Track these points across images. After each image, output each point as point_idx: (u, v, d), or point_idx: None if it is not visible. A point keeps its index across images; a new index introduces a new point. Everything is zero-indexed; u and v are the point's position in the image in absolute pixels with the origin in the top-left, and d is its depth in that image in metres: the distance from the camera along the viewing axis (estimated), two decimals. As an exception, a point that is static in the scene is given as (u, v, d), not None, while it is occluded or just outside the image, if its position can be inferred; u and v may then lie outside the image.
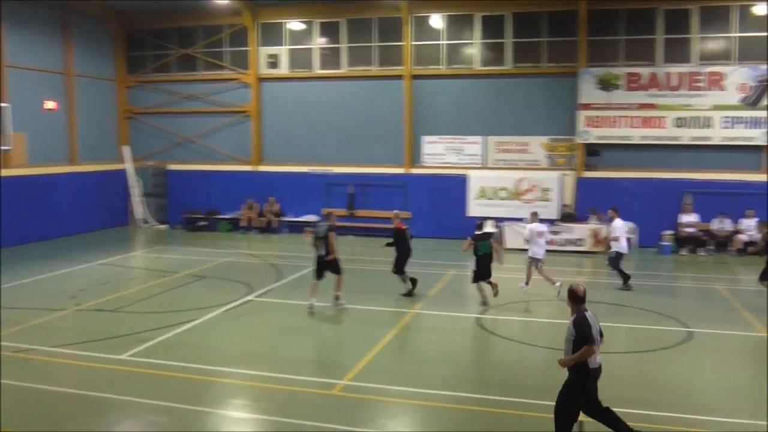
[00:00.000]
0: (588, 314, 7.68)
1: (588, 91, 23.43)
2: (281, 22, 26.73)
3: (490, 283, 15.15)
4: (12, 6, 23.12)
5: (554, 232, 22.11)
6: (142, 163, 28.93)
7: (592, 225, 22.33)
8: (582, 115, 23.56)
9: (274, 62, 26.90)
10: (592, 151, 23.96)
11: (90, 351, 11.77)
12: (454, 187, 24.82)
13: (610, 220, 17.56)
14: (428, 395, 9.77)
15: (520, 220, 22.99)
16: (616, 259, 17.09)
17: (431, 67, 25.27)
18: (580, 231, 22.33)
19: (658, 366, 11.29)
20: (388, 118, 25.82)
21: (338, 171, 26.18)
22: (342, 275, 14.70)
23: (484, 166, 24.98)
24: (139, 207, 28.43)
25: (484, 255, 15.15)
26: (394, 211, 17.10)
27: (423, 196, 25.08)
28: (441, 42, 25.09)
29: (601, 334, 7.81)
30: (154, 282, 17.71)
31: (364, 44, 25.94)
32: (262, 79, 27.19)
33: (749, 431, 8.78)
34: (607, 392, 7.98)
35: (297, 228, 25.68)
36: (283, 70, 26.94)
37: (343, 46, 26.17)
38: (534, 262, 16.39)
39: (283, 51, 26.88)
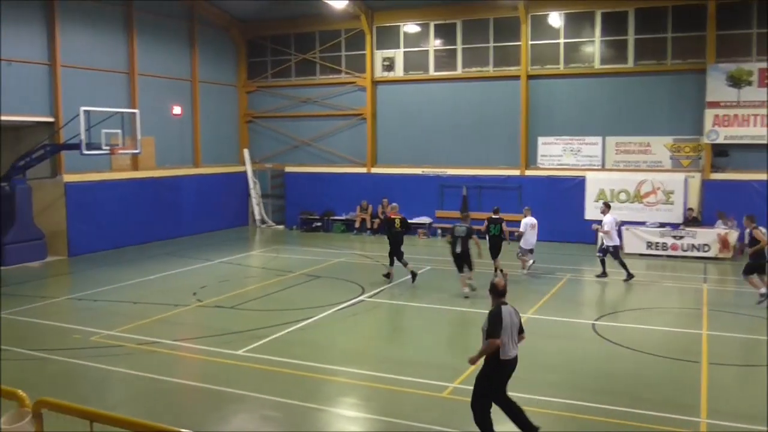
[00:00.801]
0: (504, 308, 7.91)
1: (716, 88, 22.14)
2: (397, 25, 26.87)
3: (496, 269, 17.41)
4: (142, 17, 24.42)
5: (678, 237, 21.09)
6: (260, 165, 29.85)
7: (719, 230, 21.07)
8: (710, 114, 22.29)
9: (389, 65, 27.07)
10: (721, 151, 22.62)
11: (209, 346, 12.18)
12: (571, 189, 24.13)
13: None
14: (541, 401, 9.45)
15: (642, 223, 22.13)
16: (614, 253, 17.78)
17: (549, 66, 24.68)
18: (706, 236, 21.07)
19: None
20: (504, 119, 25.42)
21: (452, 173, 26.02)
22: (473, 269, 16.24)
23: (603, 168, 24.13)
24: (257, 208, 29.35)
25: (494, 236, 17.78)
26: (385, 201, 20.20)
27: (539, 198, 24.47)
28: (559, 41, 24.45)
29: (521, 330, 8.10)
30: (271, 280, 18.16)
31: (480, 45, 25.65)
32: (377, 82, 27.43)
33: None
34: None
35: (411, 230, 25.71)
36: (398, 72, 27.06)
37: (459, 47, 25.99)
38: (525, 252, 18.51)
39: (398, 54, 27.02)
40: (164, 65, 25.74)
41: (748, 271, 15.29)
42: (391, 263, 17.73)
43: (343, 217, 27.71)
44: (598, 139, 24.16)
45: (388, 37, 27.16)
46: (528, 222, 18.58)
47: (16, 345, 12.22)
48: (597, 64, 24.06)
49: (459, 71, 26.07)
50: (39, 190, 21.31)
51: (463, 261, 16.16)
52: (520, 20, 24.49)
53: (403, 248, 17.65)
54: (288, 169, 29.19)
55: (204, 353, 11.81)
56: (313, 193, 28.05)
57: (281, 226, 28.86)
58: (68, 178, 21.74)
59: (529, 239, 18.61)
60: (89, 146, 19.61)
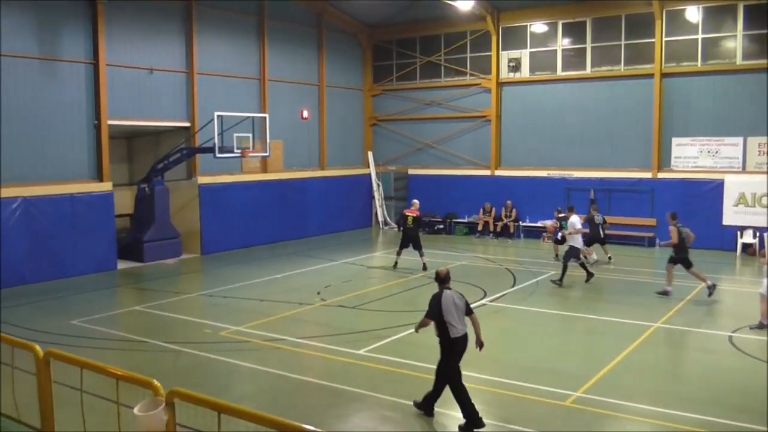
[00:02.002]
0: (446, 293, 8.89)
1: None
2: (524, 25, 26.42)
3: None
4: (273, 26, 25.25)
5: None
6: (384, 168, 30.16)
7: None
8: None
9: (515, 66, 26.65)
10: None
11: (331, 344, 12.38)
12: (707, 192, 22.83)
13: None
14: (670, 416, 8.97)
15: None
16: (569, 254, 17.59)
17: (685, 63, 23.48)
18: None
19: None
20: (634, 119, 24.40)
21: (579, 175, 25.27)
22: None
23: (743, 170, 22.67)
24: (380, 210, 29.67)
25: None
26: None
27: (672, 202, 23.29)
28: (697, 36, 23.20)
29: (470, 311, 8.98)
30: (393, 282, 18.27)
31: (611, 43, 24.77)
32: (502, 83, 27.07)
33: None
34: None
35: (534, 233, 25.23)
36: (524, 73, 26.59)
37: (588, 46, 25.22)
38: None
39: (524, 54, 26.55)
40: (293, 71, 26.50)
41: (676, 263, 16.08)
42: (398, 254, 19.93)
43: (465, 220, 27.53)
44: (739, 140, 22.72)
45: (514, 38, 26.74)
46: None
47: (152, 337, 12.93)
48: (739, 60, 22.63)
49: (588, 71, 25.28)
50: (175, 191, 22.48)
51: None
52: (654, 16, 23.43)
53: (421, 242, 19.64)
54: (411, 171, 29.34)
55: (326, 351, 12.01)
56: (436, 196, 28.04)
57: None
58: (202, 179, 22.79)
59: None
60: (222, 149, 20.47)
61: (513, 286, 17.46)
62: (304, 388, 10.36)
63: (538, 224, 25.37)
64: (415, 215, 19.66)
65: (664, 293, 15.98)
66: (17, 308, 15.43)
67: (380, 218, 29.69)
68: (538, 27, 26.26)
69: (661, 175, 23.90)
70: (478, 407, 8.69)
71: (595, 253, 20.36)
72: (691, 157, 23.54)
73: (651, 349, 12.42)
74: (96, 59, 19.72)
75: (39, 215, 18.27)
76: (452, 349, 8.82)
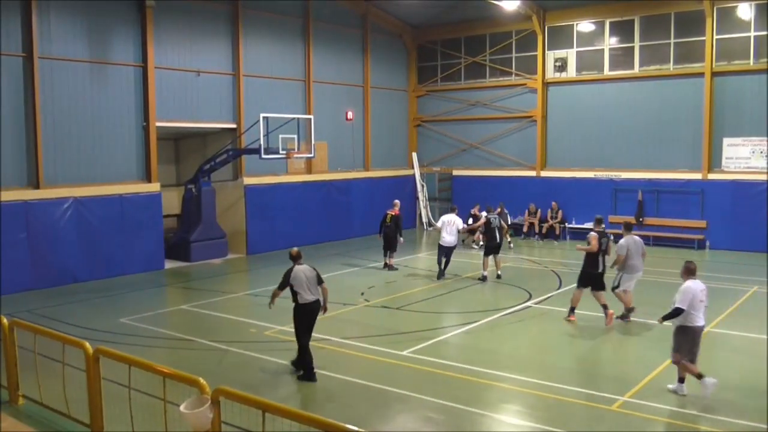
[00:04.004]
0: (297, 268, 10.65)
1: None
2: (570, 24, 26.10)
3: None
4: (318, 27, 25.40)
5: None
6: (428, 168, 30.10)
7: None
8: None
9: (561, 65, 26.35)
10: None
11: (375, 345, 12.39)
12: (760, 194, 22.23)
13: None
14: (719, 422, 8.77)
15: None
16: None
17: (736, 62, 22.91)
18: None
19: None
20: (684, 119, 23.91)
21: (626, 176, 24.87)
22: None
23: (798, 172, 22.05)
24: (424, 211, 29.61)
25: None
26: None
27: (723, 204, 22.85)
28: (750, 34, 22.62)
29: (320, 281, 10.73)
30: (436, 283, 18.19)
31: (660, 42, 24.30)
32: (548, 83, 26.79)
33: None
34: None
35: (580, 235, 24.85)
36: (571, 73, 26.27)
37: (636, 44, 24.79)
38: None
39: (570, 53, 26.23)
40: (338, 72, 26.62)
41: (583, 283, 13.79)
42: (385, 255, 19.98)
43: (510, 222, 27.25)
44: (794, 140, 22.12)
45: (560, 37, 26.44)
46: (627, 243, 13.80)
47: (198, 336, 13.10)
48: (794, 58, 22.04)
49: (636, 70, 24.84)
50: (222, 192, 22.76)
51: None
52: (704, 14, 22.93)
53: (397, 245, 19.80)
54: (455, 172, 29.22)
55: (370, 352, 12.02)
56: (481, 197, 27.67)
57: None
58: (248, 180, 23.04)
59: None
60: (267, 151, 20.64)
61: (558, 288, 17.25)
62: (347, 388, 10.38)
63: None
64: (393, 214, 19.79)
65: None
66: (68, 306, 15.80)
67: (424, 219, 29.62)
68: (585, 26, 25.92)
69: (711, 176, 23.35)
70: (520, 410, 8.61)
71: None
72: (743, 157, 22.94)
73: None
74: (144, 62, 20.08)
75: (89, 215, 18.69)
76: (301, 312, 10.66)
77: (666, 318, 9.86)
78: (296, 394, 10.23)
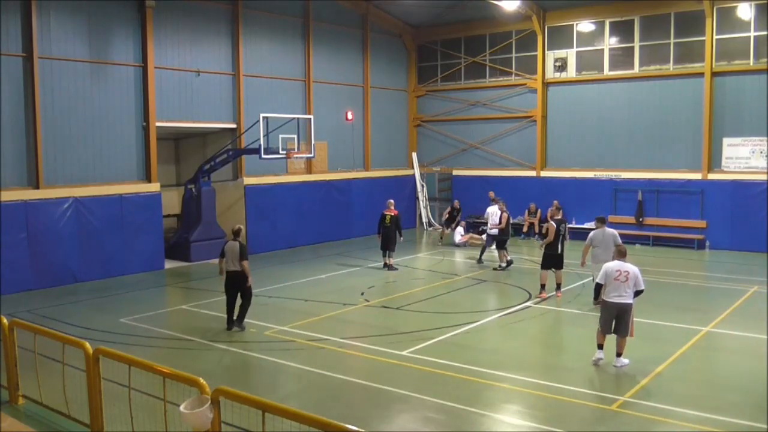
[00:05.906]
0: (230, 243, 13.20)
1: None
2: (570, 24, 26.10)
3: None
4: (319, 27, 25.41)
5: None
6: (428, 168, 30.11)
7: None
8: None
9: (561, 65, 26.35)
10: None
11: (375, 345, 12.39)
12: (760, 194, 22.22)
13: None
14: (717, 422, 8.76)
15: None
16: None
17: (736, 62, 22.91)
18: None
19: None
20: (684, 119, 23.90)
21: (626, 176, 24.86)
22: None
23: (798, 172, 22.05)
24: (424, 211, 29.61)
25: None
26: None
27: (722, 204, 22.85)
28: (750, 34, 22.61)
29: (243, 258, 12.96)
30: (437, 283, 18.20)
31: (660, 42, 24.30)
32: (548, 83, 26.79)
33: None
34: None
35: (581, 235, 24.81)
36: (571, 73, 26.27)
37: (636, 44, 24.79)
38: None
39: (570, 53, 26.23)
40: (338, 72, 26.63)
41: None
42: (384, 255, 19.99)
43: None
44: (794, 140, 22.12)
45: (560, 37, 26.44)
46: (594, 235, 15.21)
47: (198, 336, 13.11)
48: (793, 58, 22.03)
49: (636, 70, 24.84)
50: (221, 192, 22.76)
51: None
52: (704, 14, 22.93)
53: (396, 245, 19.89)
54: (455, 172, 29.22)
55: (370, 352, 12.02)
56: (481, 197, 27.75)
57: (448, 230, 28.83)
58: (248, 180, 23.04)
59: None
60: (267, 151, 20.64)
61: (557, 288, 17.20)
62: (347, 388, 10.38)
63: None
64: (393, 214, 19.82)
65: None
66: (68, 306, 15.81)
67: (424, 219, 29.64)
68: (585, 26, 25.92)
69: (711, 176, 23.35)
70: (520, 410, 8.61)
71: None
72: (743, 157, 22.94)
73: (699, 355, 12.15)
74: (144, 62, 20.08)
75: (89, 215, 18.69)
76: (226, 277, 13.33)
77: (596, 296, 12.26)
78: (296, 394, 10.23)
